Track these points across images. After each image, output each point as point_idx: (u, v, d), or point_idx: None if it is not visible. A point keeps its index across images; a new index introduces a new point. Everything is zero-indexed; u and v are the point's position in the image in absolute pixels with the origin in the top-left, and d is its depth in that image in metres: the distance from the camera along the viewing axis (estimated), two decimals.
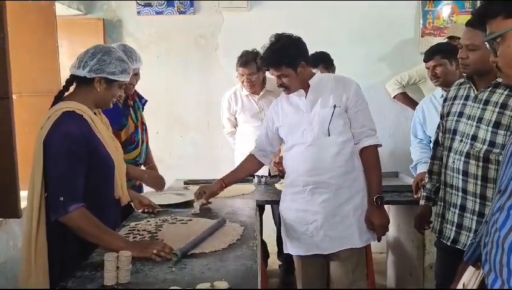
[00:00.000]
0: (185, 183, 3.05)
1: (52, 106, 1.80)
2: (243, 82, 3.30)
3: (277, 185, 2.96)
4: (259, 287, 1.60)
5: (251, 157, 2.50)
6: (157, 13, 4.06)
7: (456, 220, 1.94)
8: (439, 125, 2.15)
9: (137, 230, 1.96)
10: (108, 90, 1.83)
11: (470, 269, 1.27)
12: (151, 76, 3.58)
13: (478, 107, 1.88)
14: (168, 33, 4.10)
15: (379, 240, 2.30)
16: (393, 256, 3.32)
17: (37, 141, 1.71)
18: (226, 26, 4.07)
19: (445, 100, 2.11)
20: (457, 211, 1.93)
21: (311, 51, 2.36)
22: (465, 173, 1.88)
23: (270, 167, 3.09)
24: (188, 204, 2.39)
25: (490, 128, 1.81)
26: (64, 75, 2.03)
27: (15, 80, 2.32)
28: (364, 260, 2.40)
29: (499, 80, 1.68)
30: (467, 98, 1.96)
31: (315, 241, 2.25)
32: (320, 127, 2.21)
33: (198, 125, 4.17)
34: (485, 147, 1.82)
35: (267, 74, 2.62)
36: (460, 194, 1.91)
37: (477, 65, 1.86)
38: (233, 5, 3.96)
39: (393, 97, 3.94)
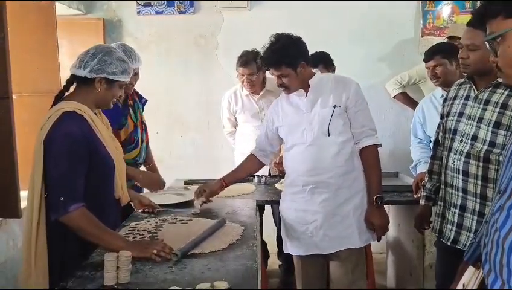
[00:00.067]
0: (185, 183, 3.05)
1: (52, 106, 1.80)
2: (243, 82, 3.29)
3: (277, 185, 2.96)
4: (259, 287, 1.59)
5: (252, 157, 2.50)
6: (157, 13, 4.06)
7: (456, 220, 1.94)
8: (439, 125, 2.15)
9: (137, 230, 1.96)
10: (109, 91, 1.83)
11: (470, 269, 1.27)
12: (151, 76, 3.58)
13: (478, 107, 1.88)
14: (168, 33, 4.10)
15: (379, 240, 2.30)
16: (393, 256, 3.32)
17: (37, 141, 1.71)
18: (226, 26, 4.07)
19: (445, 100, 2.11)
20: (457, 211, 1.93)
21: (311, 51, 2.36)
22: (465, 173, 1.88)
23: (271, 167, 3.10)
24: (188, 204, 2.39)
25: (490, 129, 1.81)
26: (64, 75, 2.03)
27: (15, 80, 2.32)
28: (364, 259, 2.40)
29: (499, 80, 1.69)
30: (467, 98, 1.96)
31: (315, 241, 2.25)
32: (320, 127, 2.21)
33: (198, 125, 4.17)
34: (485, 147, 1.82)
35: (267, 73, 2.62)
36: (460, 194, 1.91)
37: (478, 65, 1.86)
38: (233, 5, 3.96)
39: (393, 97, 3.94)
